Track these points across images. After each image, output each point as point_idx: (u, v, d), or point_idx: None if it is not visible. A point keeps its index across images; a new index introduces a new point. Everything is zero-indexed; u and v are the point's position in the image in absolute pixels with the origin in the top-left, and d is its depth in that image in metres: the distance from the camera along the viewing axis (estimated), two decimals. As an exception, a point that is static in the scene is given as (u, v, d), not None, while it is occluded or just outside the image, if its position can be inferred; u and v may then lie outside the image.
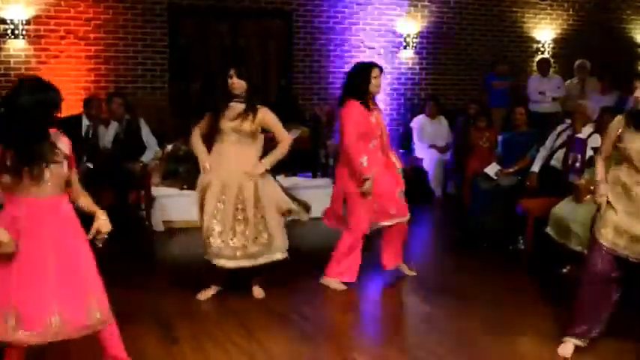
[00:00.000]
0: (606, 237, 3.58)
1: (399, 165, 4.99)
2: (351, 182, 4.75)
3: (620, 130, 3.61)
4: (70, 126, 6.17)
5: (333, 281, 4.90)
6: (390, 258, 5.09)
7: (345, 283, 4.87)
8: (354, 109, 4.64)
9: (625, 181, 3.58)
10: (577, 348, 3.73)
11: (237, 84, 4.43)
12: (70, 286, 2.89)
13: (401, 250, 5.15)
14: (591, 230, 3.73)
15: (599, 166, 3.76)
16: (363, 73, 4.70)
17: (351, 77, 4.77)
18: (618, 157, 3.66)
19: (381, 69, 4.77)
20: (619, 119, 3.67)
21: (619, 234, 3.56)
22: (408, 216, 5.00)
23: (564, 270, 5.23)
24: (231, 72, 4.41)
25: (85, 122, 6.82)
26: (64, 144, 2.94)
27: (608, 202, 3.61)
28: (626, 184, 3.57)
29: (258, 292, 4.64)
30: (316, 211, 7.21)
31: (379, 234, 5.09)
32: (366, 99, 4.68)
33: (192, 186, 6.82)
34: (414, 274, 5.22)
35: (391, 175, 4.89)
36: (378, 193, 4.75)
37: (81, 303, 2.91)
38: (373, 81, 4.67)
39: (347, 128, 4.63)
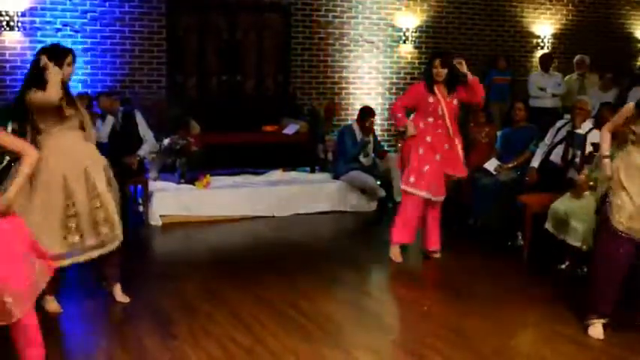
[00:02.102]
0: (621, 222, 3.64)
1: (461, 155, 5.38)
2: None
3: (630, 115, 3.70)
4: None
5: (393, 248, 5.38)
6: (428, 238, 5.49)
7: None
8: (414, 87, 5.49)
9: (638, 162, 3.64)
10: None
11: None
12: None
13: (437, 235, 5.47)
14: (602, 218, 3.76)
15: (606, 138, 3.82)
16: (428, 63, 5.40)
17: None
18: (627, 140, 3.73)
19: (439, 58, 5.26)
20: (631, 106, 3.75)
21: (633, 218, 3.64)
22: (442, 198, 5.39)
23: (563, 266, 5.23)
24: None
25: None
26: None
27: (622, 187, 3.65)
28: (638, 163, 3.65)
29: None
30: (314, 206, 7.25)
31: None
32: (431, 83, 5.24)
33: (189, 180, 6.87)
34: (438, 255, 5.48)
35: (445, 157, 5.27)
36: (430, 166, 5.21)
37: None
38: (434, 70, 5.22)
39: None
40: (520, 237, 5.87)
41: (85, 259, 4.08)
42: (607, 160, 3.77)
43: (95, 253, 4.09)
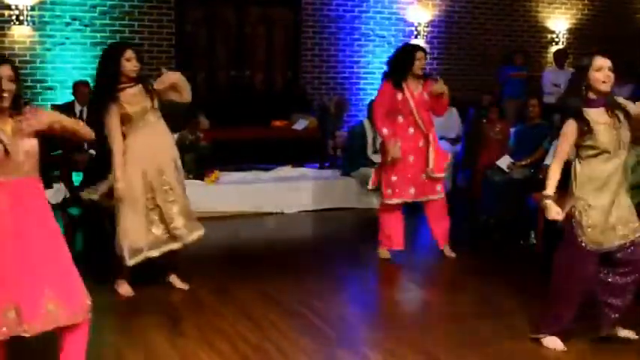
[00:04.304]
0: (593, 239, 3.44)
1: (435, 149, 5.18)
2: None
3: (576, 133, 3.37)
4: (65, 113, 6.21)
5: (381, 251, 5.31)
6: (434, 234, 5.40)
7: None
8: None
9: (603, 171, 3.41)
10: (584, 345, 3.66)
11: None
12: (57, 270, 2.79)
13: (441, 232, 5.35)
14: (568, 237, 3.50)
15: (555, 175, 3.46)
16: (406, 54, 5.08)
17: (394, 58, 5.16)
18: (587, 153, 3.42)
19: (423, 52, 5.11)
20: (571, 126, 3.37)
21: (604, 233, 3.44)
22: (437, 196, 5.24)
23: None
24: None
25: (78, 107, 6.85)
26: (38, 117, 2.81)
27: (590, 206, 3.42)
28: (605, 177, 3.41)
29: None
30: (323, 202, 7.19)
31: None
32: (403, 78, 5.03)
33: (197, 175, 6.81)
34: (453, 255, 5.37)
35: (421, 156, 5.12)
36: (399, 172, 5.09)
37: (71, 285, 2.80)
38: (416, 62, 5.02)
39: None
40: (533, 235, 5.79)
41: (159, 254, 4.31)
42: (549, 202, 3.43)
43: (169, 247, 4.34)
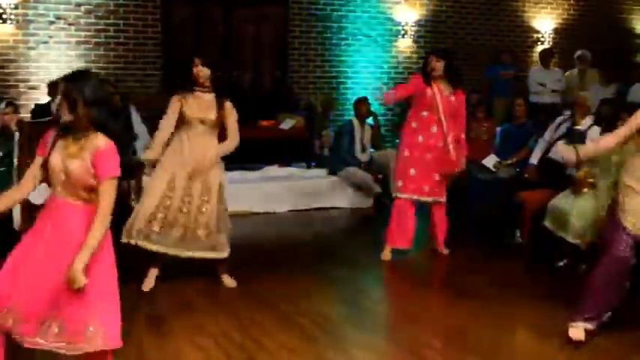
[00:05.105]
0: (631, 222, 3.55)
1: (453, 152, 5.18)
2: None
3: None
4: (44, 113, 6.35)
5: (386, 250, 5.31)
6: (434, 237, 5.45)
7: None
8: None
9: None
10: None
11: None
12: (73, 299, 2.64)
13: (441, 234, 5.40)
14: (613, 215, 3.66)
15: (599, 144, 3.72)
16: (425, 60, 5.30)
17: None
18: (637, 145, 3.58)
19: (434, 55, 5.22)
20: None
21: None
22: (441, 199, 5.29)
23: (561, 264, 5.16)
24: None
25: (55, 107, 6.76)
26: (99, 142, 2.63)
27: (632, 188, 3.55)
28: None
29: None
30: (309, 202, 7.17)
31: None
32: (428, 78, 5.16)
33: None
34: (446, 252, 5.43)
35: (438, 156, 5.14)
36: (417, 167, 5.13)
37: (82, 320, 2.65)
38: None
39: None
40: (519, 234, 5.80)
41: (179, 255, 4.38)
42: (575, 148, 3.70)
43: (194, 254, 4.40)
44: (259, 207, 6.91)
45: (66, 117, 2.64)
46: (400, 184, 5.20)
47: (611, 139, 3.67)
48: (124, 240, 4.28)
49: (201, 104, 4.41)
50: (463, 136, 5.25)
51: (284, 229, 6.51)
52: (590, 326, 3.66)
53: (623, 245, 3.56)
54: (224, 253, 4.47)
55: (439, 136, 5.16)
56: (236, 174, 7.29)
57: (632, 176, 3.59)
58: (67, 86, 2.65)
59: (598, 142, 3.77)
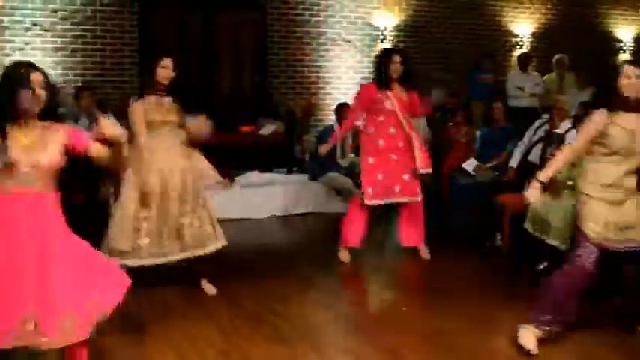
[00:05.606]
0: (592, 229, 3.49)
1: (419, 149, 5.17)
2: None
3: (602, 126, 3.47)
4: None
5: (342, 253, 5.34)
6: (407, 236, 5.39)
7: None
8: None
9: (613, 174, 3.48)
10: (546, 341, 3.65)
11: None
12: (76, 285, 2.72)
13: (419, 231, 5.36)
14: (577, 225, 3.61)
15: (558, 160, 3.58)
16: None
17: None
18: (598, 152, 3.52)
19: (399, 54, 5.15)
20: (602, 114, 3.50)
21: (608, 227, 3.49)
22: (416, 198, 5.24)
23: (541, 266, 5.16)
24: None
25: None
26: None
27: (587, 195, 3.50)
28: (614, 178, 3.48)
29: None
30: (290, 208, 7.14)
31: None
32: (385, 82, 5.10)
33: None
34: (428, 257, 5.39)
35: (404, 155, 5.12)
36: (384, 170, 5.10)
37: (57, 316, 2.68)
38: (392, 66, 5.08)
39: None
40: (499, 237, 5.81)
41: (169, 261, 4.34)
42: (537, 186, 3.53)
43: (179, 256, 4.36)
44: (239, 213, 6.86)
45: (39, 106, 2.68)
46: (370, 191, 5.15)
47: (569, 154, 3.59)
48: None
49: (162, 107, 4.37)
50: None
51: (264, 235, 6.48)
52: (539, 332, 3.61)
53: (587, 255, 3.50)
54: (218, 243, 4.47)
55: (399, 137, 5.14)
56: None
57: (584, 182, 3.56)
58: (45, 75, 2.72)
59: (557, 159, 3.62)
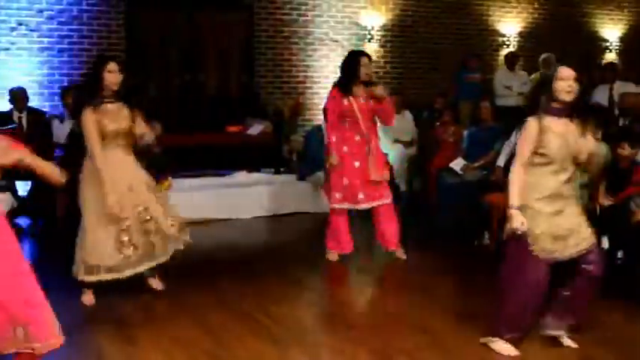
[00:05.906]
0: (543, 247, 3.42)
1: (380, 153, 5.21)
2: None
3: (536, 134, 3.38)
4: (7, 121, 6.46)
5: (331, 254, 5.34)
6: (382, 239, 5.33)
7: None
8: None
9: (552, 184, 3.42)
10: (538, 347, 3.66)
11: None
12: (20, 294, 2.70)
13: (391, 235, 5.28)
14: (520, 237, 3.43)
15: (517, 181, 3.42)
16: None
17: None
18: (537, 162, 3.43)
19: (367, 56, 5.14)
20: (533, 122, 3.40)
21: (555, 239, 3.42)
22: (384, 200, 5.17)
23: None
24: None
25: (16, 114, 6.81)
26: None
27: (531, 207, 3.41)
28: (554, 188, 3.42)
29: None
30: (279, 207, 7.13)
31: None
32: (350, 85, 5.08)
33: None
34: (404, 257, 5.33)
35: (364, 162, 5.10)
36: (348, 176, 5.10)
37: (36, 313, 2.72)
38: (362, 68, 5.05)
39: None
40: (487, 236, 5.84)
41: (142, 270, 4.33)
42: (515, 212, 3.37)
43: (151, 264, 4.35)
44: (227, 214, 6.85)
45: None
46: (338, 195, 5.16)
47: (521, 171, 3.44)
48: (85, 279, 4.18)
49: (113, 115, 4.18)
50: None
51: (252, 235, 6.47)
52: (509, 346, 3.58)
53: (535, 268, 3.43)
54: (186, 236, 4.47)
55: (363, 144, 5.14)
56: (203, 180, 7.23)
57: (527, 195, 3.42)
58: None
59: (513, 181, 3.43)
